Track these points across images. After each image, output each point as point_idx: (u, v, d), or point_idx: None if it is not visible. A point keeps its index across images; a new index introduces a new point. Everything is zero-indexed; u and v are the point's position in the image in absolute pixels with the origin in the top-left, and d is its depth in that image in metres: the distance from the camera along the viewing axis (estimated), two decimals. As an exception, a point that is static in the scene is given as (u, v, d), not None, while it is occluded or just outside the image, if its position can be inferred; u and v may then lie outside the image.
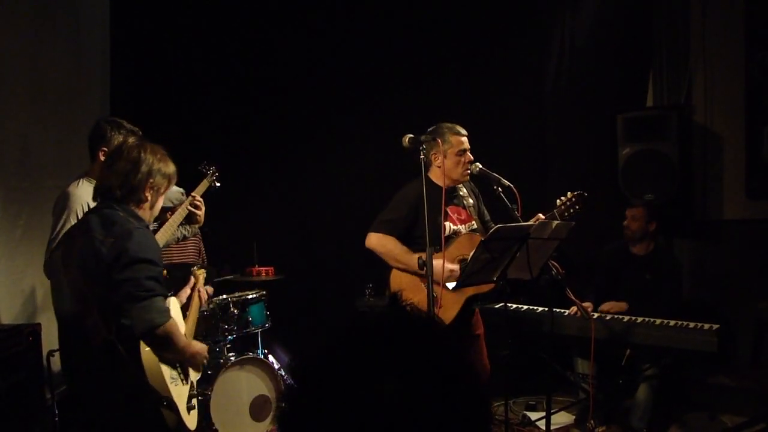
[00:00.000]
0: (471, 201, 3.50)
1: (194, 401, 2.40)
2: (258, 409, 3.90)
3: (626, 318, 3.89)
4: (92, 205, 3.00)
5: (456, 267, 3.23)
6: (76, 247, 2.20)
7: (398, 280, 3.35)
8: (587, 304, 4.05)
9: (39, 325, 3.37)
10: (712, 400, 4.33)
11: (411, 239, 3.31)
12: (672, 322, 3.76)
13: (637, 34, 5.04)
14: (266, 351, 4.19)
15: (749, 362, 4.65)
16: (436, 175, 3.38)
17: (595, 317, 3.88)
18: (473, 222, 3.44)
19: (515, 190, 3.27)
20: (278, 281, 4.47)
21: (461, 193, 3.48)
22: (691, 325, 3.70)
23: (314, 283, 5.26)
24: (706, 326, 3.65)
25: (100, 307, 2.11)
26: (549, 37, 5.19)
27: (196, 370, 2.45)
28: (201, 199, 3.06)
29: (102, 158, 3.04)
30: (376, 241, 3.33)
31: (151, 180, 2.28)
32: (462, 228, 3.38)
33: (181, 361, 2.33)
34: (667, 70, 4.94)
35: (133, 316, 2.07)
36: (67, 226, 2.92)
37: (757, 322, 4.51)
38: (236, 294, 4.04)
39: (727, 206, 4.83)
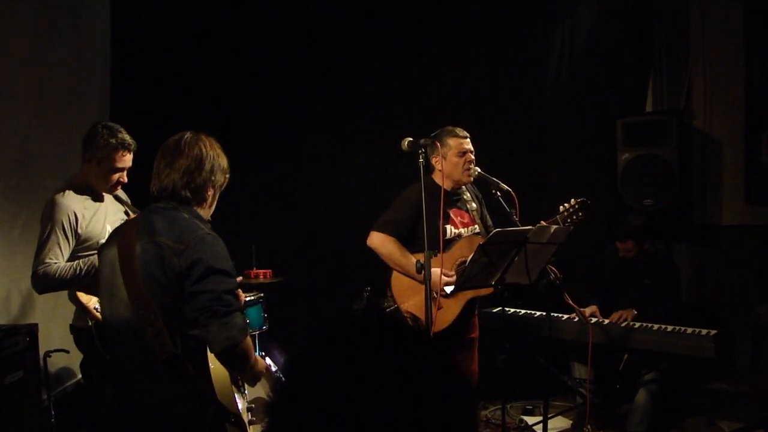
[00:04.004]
0: (474, 205, 3.50)
1: (251, 414, 2.25)
2: (255, 412, 3.89)
3: (624, 323, 3.89)
4: (79, 213, 2.86)
5: (453, 277, 3.23)
6: (137, 251, 1.98)
7: (399, 282, 3.36)
8: (593, 308, 4.06)
9: (36, 325, 3.35)
10: (710, 406, 4.33)
11: (413, 240, 3.32)
12: (670, 328, 3.76)
13: (637, 39, 5.04)
14: (264, 353, 4.18)
15: (747, 367, 4.65)
16: (438, 178, 3.39)
17: (593, 322, 3.88)
18: (476, 226, 3.44)
19: (513, 195, 3.27)
20: (276, 284, 4.47)
21: (465, 196, 3.49)
22: (689, 330, 3.70)
23: (312, 286, 5.26)
24: (704, 332, 3.65)
25: (166, 319, 1.92)
26: (548, 41, 5.20)
27: (252, 384, 2.29)
28: None
29: (90, 164, 2.90)
30: (378, 240, 3.33)
31: (213, 178, 2.11)
32: (464, 231, 3.39)
33: (243, 376, 2.18)
34: (667, 75, 4.95)
35: (212, 333, 1.90)
36: (53, 238, 2.81)
37: (756, 328, 4.51)
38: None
39: (725, 211, 4.84)
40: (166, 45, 5.08)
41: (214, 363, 2.01)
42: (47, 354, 3.46)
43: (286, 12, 5.20)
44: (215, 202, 2.19)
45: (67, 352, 3.67)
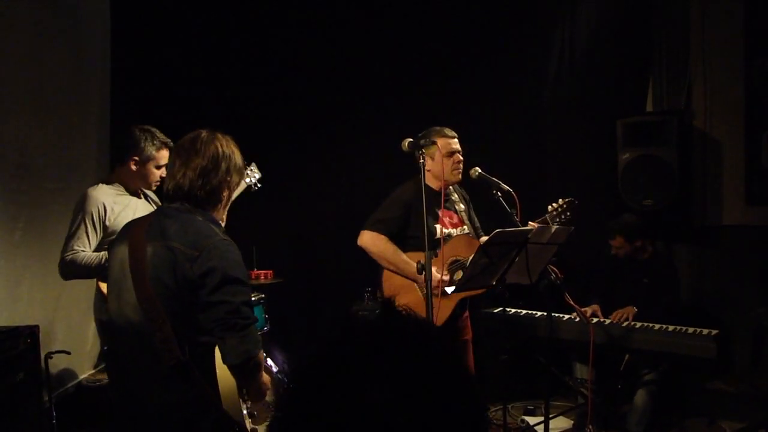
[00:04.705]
0: (462, 206, 3.51)
1: (251, 422, 2.18)
2: (256, 419, 3.88)
3: (625, 323, 3.89)
4: (108, 206, 3.02)
5: (447, 278, 3.23)
6: (147, 253, 1.93)
7: (390, 281, 3.36)
8: (594, 307, 4.07)
9: (37, 327, 3.35)
10: (711, 406, 4.33)
11: (403, 239, 3.33)
12: (671, 328, 3.76)
13: (637, 40, 5.04)
14: (264, 354, 4.18)
15: (748, 368, 4.65)
16: (427, 178, 3.41)
17: (594, 322, 3.89)
18: (465, 227, 3.45)
19: (514, 195, 3.27)
20: (277, 284, 4.47)
21: (453, 197, 3.50)
22: (690, 330, 3.71)
23: (313, 287, 5.26)
24: (705, 332, 3.65)
25: (174, 325, 1.88)
26: (549, 42, 5.20)
27: (256, 400, 2.20)
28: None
29: (133, 167, 3.09)
30: (368, 239, 3.34)
31: (229, 179, 2.05)
32: (454, 231, 3.40)
33: (249, 389, 2.10)
34: (667, 76, 4.94)
35: (229, 346, 1.87)
36: (82, 227, 2.98)
37: (756, 328, 4.51)
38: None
39: (726, 212, 4.83)
40: (166, 45, 5.07)
41: (221, 371, 1.97)
42: (48, 355, 3.46)
43: (286, 12, 5.20)
44: (230, 203, 2.15)
45: (68, 353, 3.67)
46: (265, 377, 2.13)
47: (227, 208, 2.16)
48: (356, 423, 0.72)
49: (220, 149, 2.04)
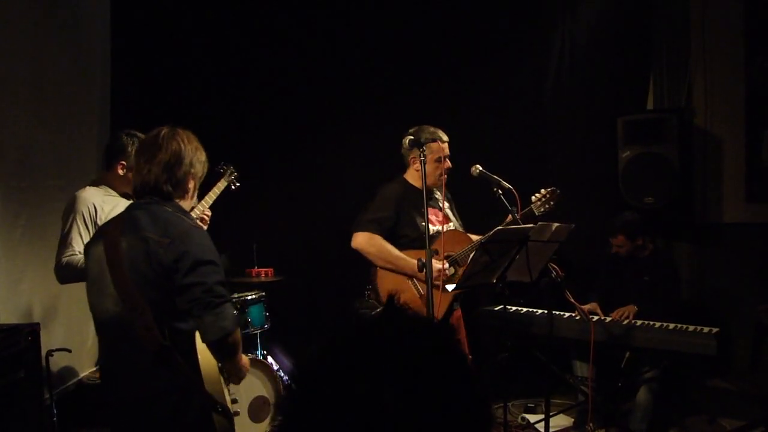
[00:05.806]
0: (446, 203, 3.53)
1: (234, 406, 2.26)
2: (257, 410, 3.89)
3: (626, 321, 3.89)
4: (98, 206, 3.01)
5: (446, 265, 3.23)
6: (123, 247, 2.02)
7: (384, 281, 3.35)
8: (593, 305, 4.07)
9: (38, 324, 3.36)
10: (711, 404, 4.33)
11: (393, 239, 3.33)
12: (671, 325, 3.76)
13: (638, 37, 5.04)
14: (265, 352, 4.19)
15: (748, 366, 4.65)
16: (412, 177, 3.42)
17: (594, 320, 3.89)
18: (450, 223, 3.47)
19: (515, 193, 3.28)
20: (278, 282, 4.47)
21: (436, 195, 3.51)
22: (691, 328, 3.70)
23: (314, 285, 5.25)
24: (706, 329, 3.65)
25: (155, 312, 1.97)
26: (549, 39, 5.19)
27: (236, 381, 2.30)
28: (209, 212, 3.12)
29: (120, 172, 3.10)
30: (364, 240, 3.33)
31: (193, 170, 2.16)
32: (441, 229, 3.41)
33: (229, 369, 2.21)
34: (668, 73, 4.94)
35: (206, 324, 1.95)
36: (75, 228, 2.97)
37: (756, 326, 4.51)
38: (235, 295, 4.04)
39: (726, 209, 4.83)
40: (166, 45, 5.08)
41: (202, 354, 2.05)
42: (49, 353, 3.46)
43: (287, 13, 5.20)
44: (197, 192, 2.26)
45: (69, 351, 3.68)
46: (244, 359, 2.22)
47: (195, 197, 2.26)
48: (363, 421, 0.72)
49: (181, 144, 2.14)
